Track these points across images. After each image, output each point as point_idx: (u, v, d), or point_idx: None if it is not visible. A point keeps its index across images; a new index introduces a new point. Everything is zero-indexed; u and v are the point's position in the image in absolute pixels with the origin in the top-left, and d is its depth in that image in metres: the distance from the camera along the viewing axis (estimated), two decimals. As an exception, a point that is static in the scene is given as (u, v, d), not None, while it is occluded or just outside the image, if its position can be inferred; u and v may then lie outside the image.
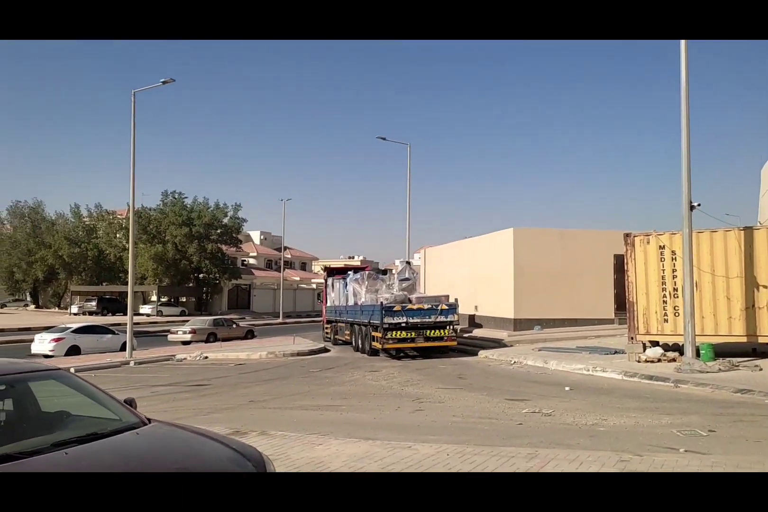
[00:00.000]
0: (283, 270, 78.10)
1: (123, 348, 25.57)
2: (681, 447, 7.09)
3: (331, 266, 33.89)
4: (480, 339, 23.71)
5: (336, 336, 26.42)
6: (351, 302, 23.55)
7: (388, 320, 19.03)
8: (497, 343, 22.13)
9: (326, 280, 28.91)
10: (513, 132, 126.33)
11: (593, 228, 29.14)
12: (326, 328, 28.59)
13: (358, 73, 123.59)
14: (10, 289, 67.15)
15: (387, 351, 20.19)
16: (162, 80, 22.86)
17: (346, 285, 24.31)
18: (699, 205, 13.85)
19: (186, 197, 60.69)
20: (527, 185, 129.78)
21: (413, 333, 19.25)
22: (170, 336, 30.64)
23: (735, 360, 14.03)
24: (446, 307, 19.60)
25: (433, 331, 19.37)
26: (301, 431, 8.74)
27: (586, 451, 6.96)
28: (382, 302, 19.62)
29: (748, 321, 14.81)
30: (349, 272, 25.51)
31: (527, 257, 25.05)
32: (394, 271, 26.13)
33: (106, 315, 55.50)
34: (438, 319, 19.41)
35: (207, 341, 30.26)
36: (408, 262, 23.46)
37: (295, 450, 7.14)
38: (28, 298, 69.61)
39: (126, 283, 59.09)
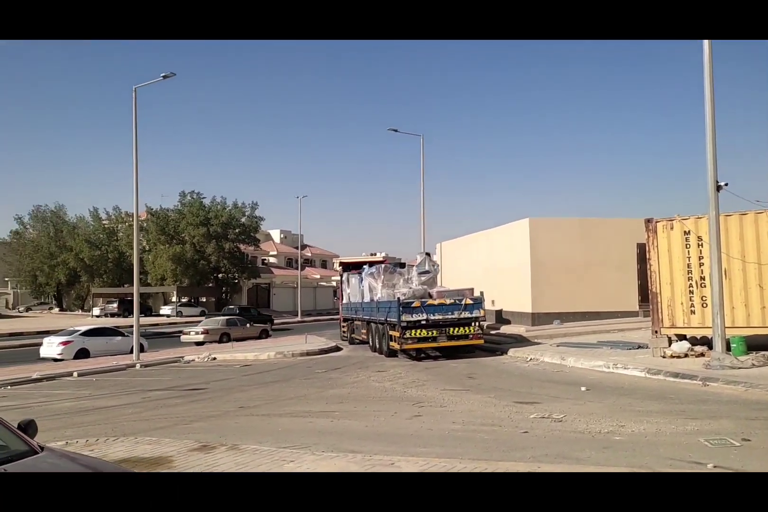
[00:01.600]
0: (301, 268, 77.67)
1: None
2: (709, 460, 6.05)
3: (347, 261, 31.24)
4: (496, 335, 22.65)
5: (353, 335, 24.88)
6: (367, 298, 21.54)
7: (406, 317, 17.15)
8: (514, 339, 21.05)
9: (342, 276, 27.22)
10: (525, 118, 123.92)
11: (615, 217, 27.77)
12: (343, 327, 27.08)
13: (369, 65, 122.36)
14: (35, 293, 67.81)
15: (406, 351, 18.20)
16: (162, 75, 22.12)
17: (362, 280, 22.29)
18: (726, 184, 12.66)
19: (204, 197, 60.52)
20: (546, 176, 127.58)
21: (435, 332, 17.29)
22: (183, 337, 30.08)
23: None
24: (471, 302, 17.65)
25: (457, 329, 17.44)
26: (281, 442, 7.90)
27: (596, 468, 5.97)
28: (399, 298, 17.72)
29: (784, 312, 13.58)
30: (364, 266, 23.38)
31: (545, 248, 23.90)
32: (413, 265, 24.07)
33: (128, 316, 55.44)
34: (462, 315, 17.45)
35: (220, 341, 29.62)
36: (428, 254, 20.99)
37: (261, 469, 6.26)
38: (53, 301, 70.11)
39: (147, 284, 60.16)
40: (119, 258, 61.97)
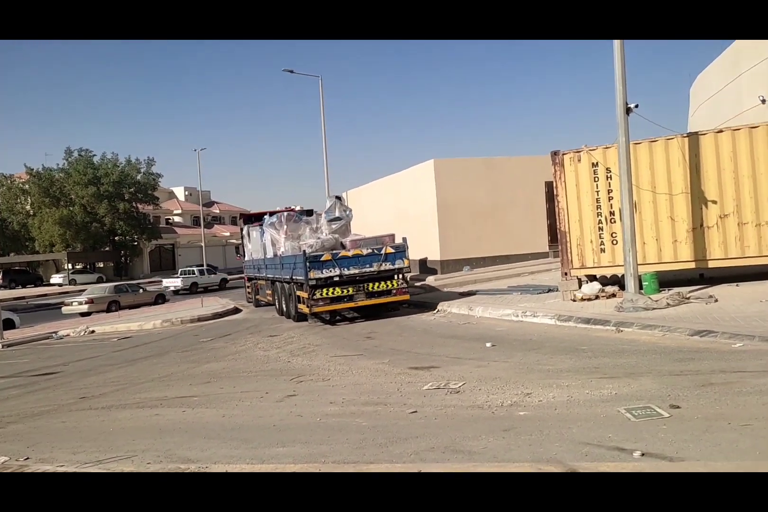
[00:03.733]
0: (209, 226, 74.14)
1: (4, 326, 22.19)
2: (635, 444, 4.67)
3: (248, 212, 27.48)
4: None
5: (257, 297, 22.09)
6: (270, 254, 18.54)
7: (315, 274, 14.37)
8: (423, 290, 19.73)
9: (242, 230, 23.77)
10: (422, 56, 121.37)
11: (522, 155, 26.59)
12: (247, 287, 24.14)
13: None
14: None
15: (317, 315, 15.44)
16: None
17: (263, 233, 19.19)
18: (636, 106, 11.32)
19: (94, 154, 55.65)
20: (451, 116, 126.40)
21: (351, 289, 14.67)
22: (64, 309, 27.18)
23: (684, 291, 11.93)
24: (392, 251, 15.09)
25: (377, 284, 14.91)
26: (102, 451, 6.05)
27: (491, 466, 4.49)
28: (305, 250, 14.75)
29: (696, 244, 12.67)
30: (265, 217, 19.94)
31: (451, 191, 22.45)
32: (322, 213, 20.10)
33: (14, 288, 51.05)
34: (383, 267, 14.93)
35: (108, 310, 26.97)
36: (338, 197, 17.59)
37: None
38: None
39: (35, 252, 55.25)
40: (0, 226, 56.43)
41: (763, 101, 17.14)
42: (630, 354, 7.98)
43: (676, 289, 12.55)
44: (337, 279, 14.56)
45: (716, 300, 10.81)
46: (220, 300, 26.44)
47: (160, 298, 29.98)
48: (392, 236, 16.03)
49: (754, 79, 19.04)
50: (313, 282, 14.37)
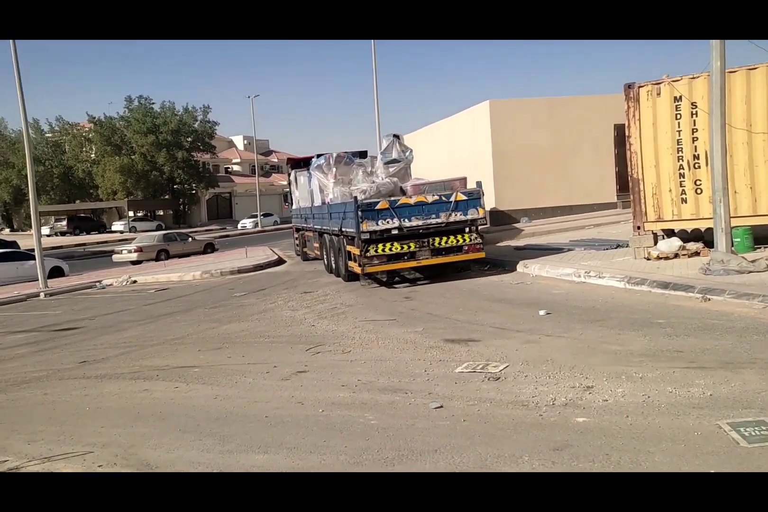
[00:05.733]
0: (267, 174, 73.75)
1: (53, 274, 22.09)
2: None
3: (298, 157, 23.23)
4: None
5: (305, 250, 19.86)
6: (317, 201, 16.22)
7: (368, 226, 11.89)
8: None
9: (289, 175, 21.51)
10: None
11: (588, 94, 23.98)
12: (296, 239, 21.75)
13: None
14: (-20, 214, 63.60)
15: (371, 275, 13.01)
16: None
17: (310, 177, 16.70)
18: (738, 20, 9.15)
19: (153, 103, 55.24)
20: (510, 57, 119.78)
21: (413, 245, 12.14)
22: (115, 257, 27.03)
23: (785, 250, 9.99)
24: (464, 198, 12.26)
25: (445, 239, 12.29)
26: (57, 442, 5.05)
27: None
28: (356, 197, 12.23)
29: (801, 194, 10.59)
30: (313, 159, 17.00)
31: (508, 135, 20.40)
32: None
33: (79, 234, 52.14)
34: (452, 218, 12.22)
35: (158, 259, 26.62)
36: (396, 136, 14.52)
37: None
38: (3, 222, 65.93)
39: (98, 199, 56.09)
40: (66, 174, 57.36)
41: None
42: (723, 333, 6.32)
43: (772, 247, 10.64)
44: (395, 232, 12.10)
45: (828, 263, 8.87)
46: (266, 250, 25.59)
47: (209, 248, 29.42)
48: (464, 180, 13.22)
49: None
50: (366, 236, 11.98)
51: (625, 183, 20.68)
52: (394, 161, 13.71)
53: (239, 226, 50.41)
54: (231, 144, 76.71)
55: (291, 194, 21.78)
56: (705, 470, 3.50)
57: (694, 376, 5.02)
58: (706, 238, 12.12)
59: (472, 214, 12.35)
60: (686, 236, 12.26)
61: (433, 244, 12.27)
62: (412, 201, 12.24)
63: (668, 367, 5.32)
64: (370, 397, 5.50)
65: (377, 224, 12.01)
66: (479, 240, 12.55)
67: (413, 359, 6.64)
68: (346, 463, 4.13)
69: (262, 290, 14.43)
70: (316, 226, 16.83)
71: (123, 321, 11.93)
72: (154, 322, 11.39)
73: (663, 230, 12.18)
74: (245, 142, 78.89)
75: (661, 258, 11.20)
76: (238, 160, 72.88)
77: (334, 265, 15.04)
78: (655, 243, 11.77)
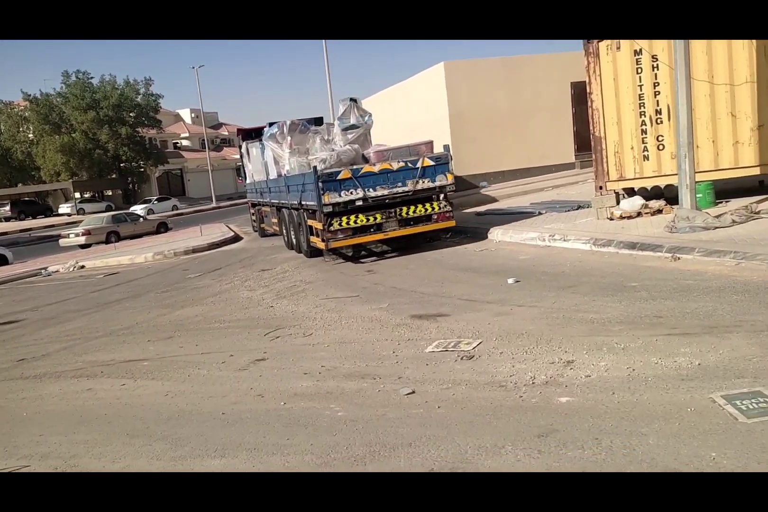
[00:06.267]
0: (218, 148, 71.63)
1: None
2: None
3: (248, 128, 20.81)
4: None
5: (263, 226, 18.88)
6: (273, 174, 15.15)
7: (331, 198, 11.07)
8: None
9: (240, 148, 20.11)
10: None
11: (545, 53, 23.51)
12: (252, 214, 20.69)
13: None
14: None
15: (336, 250, 12.30)
16: None
17: (263, 148, 15.61)
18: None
19: (92, 77, 52.54)
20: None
21: (379, 216, 11.35)
22: (62, 241, 25.78)
23: (750, 203, 9.82)
24: (432, 163, 11.49)
25: (413, 208, 11.53)
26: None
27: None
28: (315, 167, 11.28)
29: (762, 145, 10.40)
30: (265, 129, 15.65)
31: (464, 97, 19.87)
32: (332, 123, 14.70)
33: (24, 219, 49.93)
34: (420, 186, 11.46)
35: (108, 241, 25.47)
36: (353, 100, 12.96)
37: None
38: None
39: (42, 182, 53.68)
40: (4, 156, 54.60)
41: None
42: (700, 293, 6.06)
43: (731, 200, 10.49)
44: (360, 203, 11.26)
45: (795, 215, 8.72)
46: (222, 227, 24.78)
47: (162, 227, 28.33)
48: (430, 144, 12.24)
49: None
50: (329, 209, 11.13)
51: (583, 142, 20.50)
52: (353, 127, 12.55)
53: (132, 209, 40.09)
54: (178, 118, 74.02)
55: (244, 167, 20.56)
56: (706, 452, 3.18)
57: (678, 344, 4.72)
58: (666, 194, 11.94)
59: (440, 181, 11.60)
60: (647, 194, 12.05)
61: (400, 214, 11.50)
62: (376, 169, 11.36)
63: (650, 335, 5.02)
64: (336, 385, 5.07)
65: (340, 196, 11.17)
66: (449, 208, 11.86)
67: (380, 339, 6.22)
68: (313, 464, 3.70)
69: (217, 270, 13.81)
70: (273, 201, 15.89)
71: (67, 311, 11.21)
72: (100, 311, 10.71)
73: (624, 189, 11.94)
74: (193, 115, 76.02)
75: (624, 217, 10.96)
76: (187, 135, 70.46)
77: (294, 241, 14.21)
78: (618, 202, 11.53)
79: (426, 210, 11.66)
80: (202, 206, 47.55)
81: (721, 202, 10.63)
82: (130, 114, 52.89)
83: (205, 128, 54.37)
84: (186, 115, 75.54)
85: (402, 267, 10.66)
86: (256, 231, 20.51)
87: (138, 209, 40.14)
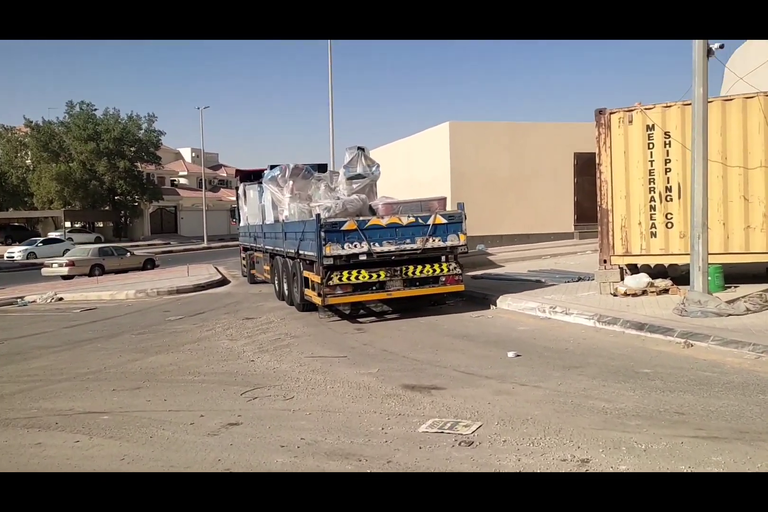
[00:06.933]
0: (215, 189, 71.82)
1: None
2: None
3: (247, 169, 19.69)
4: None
5: (253, 272, 17.99)
6: (269, 219, 14.39)
7: (333, 249, 10.22)
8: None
9: (237, 189, 19.49)
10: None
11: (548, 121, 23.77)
12: (243, 258, 19.86)
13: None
14: None
15: (332, 307, 11.20)
16: None
17: (262, 191, 15.02)
18: (722, 46, 8.67)
19: (96, 109, 52.98)
20: (467, 77, 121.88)
21: (383, 274, 10.50)
22: (44, 271, 25.11)
23: (763, 290, 9.45)
24: (443, 221, 10.80)
25: (420, 267, 10.73)
26: None
27: None
28: (319, 214, 10.57)
29: (775, 232, 10.17)
30: (265, 171, 15.09)
31: (467, 158, 19.83)
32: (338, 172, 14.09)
33: (11, 244, 49.10)
34: (430, 244, 10.72)
35: (91, 274, 24.82)
36: (361, 148, 12.44)
37: None
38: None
39: (33, 208, 53.15)
40: (-2, 180, 54.28)
41: None
42: (722, 389, 5.56)
43: (742, 287, 10.14)
44: (363, 258, 10.44)
45: (812, 308, 8.34)
46: (210, 269, 24.22)
47: (149, 264, 27.72)
48: (443, 200, 11.64)
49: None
50: (330, 261, 10.26)
51: (583, 213, 20.44)
52: (359, 176, 12.06)
53: (5, 255, 36.88)
54: (178, 156, 74.59)
55: (239, 210, 19.94)
56: None
57: (707, 450, 4.19)
58: (670, 274, 11.63)
59: (452, 240, 10.86)
60: (650, 271, 11.73)
61: (406, 274, 10.66)
62: (383, 222, 10.58)
63: (673, 435, 4.48)
64: (315, 465, 4.46)
65: (343, 248, 10.32)
66: (459, 270, 11.03)
67: (368, 411, 5.63)
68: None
69: (200, 314, 13.19)
70: (267, 247, 15.10)
71: (35, 346, 10.50)
72: (70, 349, 10.03)
73: (627, 265, 11.61)
74: (193, 154, 76.65)
75: (628, 294, 10.58)
76: (185, 173, 70.75)
77: (286, 292, 13.29)
78: (622, 278, 11.17)
79: (434, 271, 10.85)
80: (192, 245, 47.00)
81: (730, 287, 10.28)
82: (131, 148, 53.09)
83: (204, 168, 54.60)
84: (186, 153, 76.18)
85: (394, 328, 10.12)
86: (245, 276, 19.75)
87: (15, 252, 36.88)
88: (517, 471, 4.10)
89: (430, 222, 10.72)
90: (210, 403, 6.28)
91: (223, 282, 20.14)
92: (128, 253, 27.82)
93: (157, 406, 6.32)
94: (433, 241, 10.75)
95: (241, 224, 19.78)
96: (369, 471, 4.28)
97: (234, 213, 22.79)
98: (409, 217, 10.75)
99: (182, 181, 70.41)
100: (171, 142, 71.81)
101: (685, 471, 3.90)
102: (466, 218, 11.14)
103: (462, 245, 11.03)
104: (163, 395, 6.72)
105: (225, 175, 76.32)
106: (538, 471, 3.23)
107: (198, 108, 49.14)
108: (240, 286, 18.55)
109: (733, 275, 10.80)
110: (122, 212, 55.19)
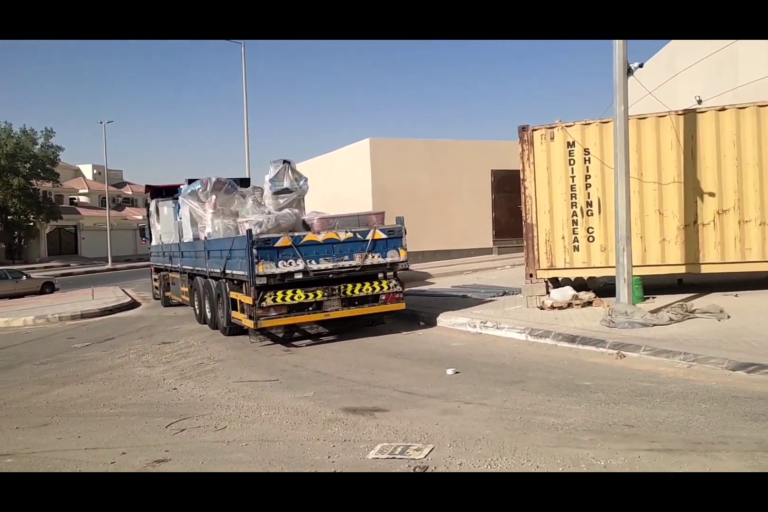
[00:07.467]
0: (120, 207, 68.69)
1: None
2: None
3: (159, 185, 18.45)
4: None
5: (167, 294, 16.92)
6: (188, 237, 13.42)
7: (266, 268, 9.54)
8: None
9: (149, 206, 18.44)
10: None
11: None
12: (155, 280, 18.72)
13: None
14: None
15: (264, 330, 10.30)
16: None
17: (179, 208, 14.01)
18: (641, 65, 9.01)
19: (-12, 124, 49.41)
20: (389, 95, 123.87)
21: (320, 293, 9.93)
22: (-72, 298, 22.90)
23: (681, 301, 9.81)
24: (383, 236, 10.36)
25: (359, 286, 10.23)
26: None
27: None
28: (250, 230, 9.77)
29: (688, 244, 10.61)
30: (181, 187, 14.16)
31: (388, 175, 19.84)
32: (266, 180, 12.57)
33: None
34: (369, 261, 10.24)
35: (-17, 300, 22.87)
36: (287, 162, 11.74)
37: None
38: None
39: None
40: None
41: (699, 102, 15.37)
42: (663, 399, 5.58)
43: (659, 297, 10.52)
44: (299, 276, 9.80)
45: (729, 317, 8.67)
46: (117, 291, 22.85)
47: (48, 287, 25.93)
48: (381, 215, 11.19)
49: (690, 79, 17.29)
50: (263, 281, 9.52)
51: (501, 229, 20.89)
52: (286, 191, 11.50)
53: None
54: (78, 173, 70.77)
55: (150, 227, 18.72)
56: None
57: (665, 463, 4.12)
58: (589, 286, 11.93)
59: (392, 256, 10.41)
60: (571, 284, 11.97)
61: (344, 292, 10.11)
62: (320, 238, 10.01)
63: (628, 450, 4.40)
64: (260, 503, 4.04)
65: (277, 266, 9.64)
66: (399, 288, 10.59)
67: (310, 438, 5.25)
68: None
69: (110, 339, 12.27)
70: (185, 267, 14.07)
71: None
72: (-38, 384, 9.00)
73: (549, 279, 11.81)
74: (95, 171, 72.89)
75: (555, 307, 10.72)
76: (86, 191, 67.11)
77: (209, 315, 12.39)
78: (548, 292, 11.33)
79: (374, 289, 10.35)
80: (95, 267, 44.54)
81: (649, 298, 10.62)
82: (25, 164, 49.79)
83: (107, 185, 52.08)
84: (87, 170, 72.44)
85: (323, 348, 9.75)
86: (157, 298, 18.58)
87: None
88: (480, 497, 3.87)
89: (369, 237, 10.29)
90: (131, 439, 5.69)
91: (133, 305, 19.02)
92: (24, 277, 25.90)
93: (69, 444, 5.66)
94: (373, 257, 10.31)
95: (153, 243, 18.55)
96: (320, 506, 3.91)
97: (143, 231, 21.30)
98: (346, 232, 10.25)
99: (83, 199, 66.79)
100: (70, 159, 68.23)
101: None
102: (406, 233, 10.76)
103: (403, 261, 10.63)
104: (75, 431, 6.05)
105: (130, 192, 73.18)
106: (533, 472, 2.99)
107: (101, 122, 47.07)
108: (152, 309, 17.54)
109: (649, 287, 11.18)
110: (15, 232, 51.58)
